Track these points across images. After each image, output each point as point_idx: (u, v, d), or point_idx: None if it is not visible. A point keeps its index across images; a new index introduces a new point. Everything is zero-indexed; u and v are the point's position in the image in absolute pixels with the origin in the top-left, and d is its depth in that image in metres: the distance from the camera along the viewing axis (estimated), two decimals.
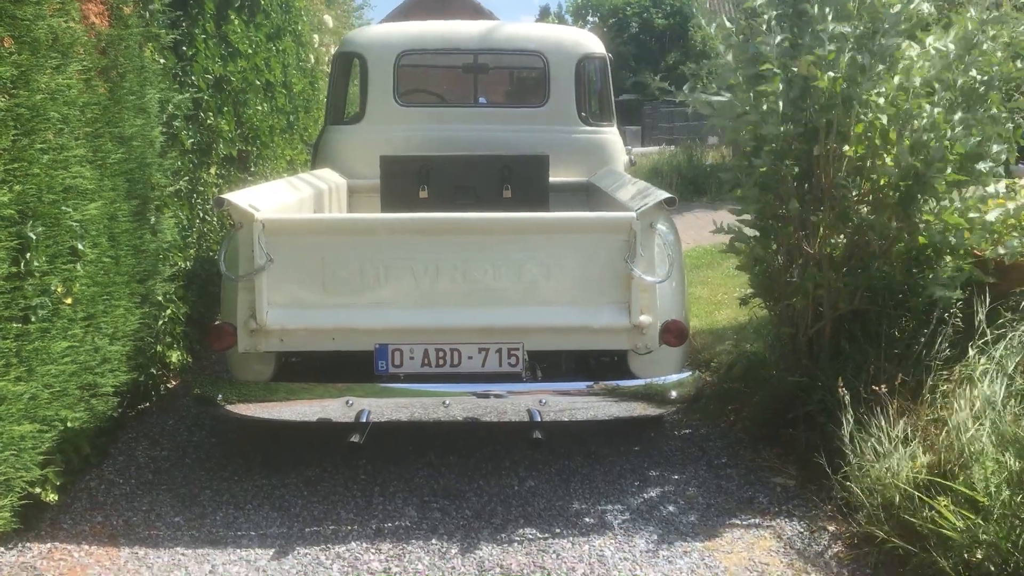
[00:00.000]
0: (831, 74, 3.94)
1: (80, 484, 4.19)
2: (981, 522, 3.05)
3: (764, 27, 4.19)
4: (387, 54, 6.07)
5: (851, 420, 3.71)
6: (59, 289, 3.56)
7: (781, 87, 4.12)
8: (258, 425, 4.20)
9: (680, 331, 4.04)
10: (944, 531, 3.13)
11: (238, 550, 3.64)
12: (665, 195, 3.94)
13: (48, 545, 3.67)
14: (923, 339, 3.99)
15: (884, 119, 3.98)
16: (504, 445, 4.65)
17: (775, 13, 4.18)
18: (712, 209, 12.38)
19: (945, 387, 3.78)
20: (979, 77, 4.04)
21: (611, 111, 6.41)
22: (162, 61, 4.97)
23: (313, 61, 9.77)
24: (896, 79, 4.02)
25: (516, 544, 3.70)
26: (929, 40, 4.10)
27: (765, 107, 4.20)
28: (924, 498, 3.25)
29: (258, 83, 6.95)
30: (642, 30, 25.91)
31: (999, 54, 4.03)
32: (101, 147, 3.98)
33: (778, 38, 4.10)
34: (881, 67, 3.98)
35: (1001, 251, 4.09)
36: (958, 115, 3.97)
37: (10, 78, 3.16)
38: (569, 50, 6.16)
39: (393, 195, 5.62)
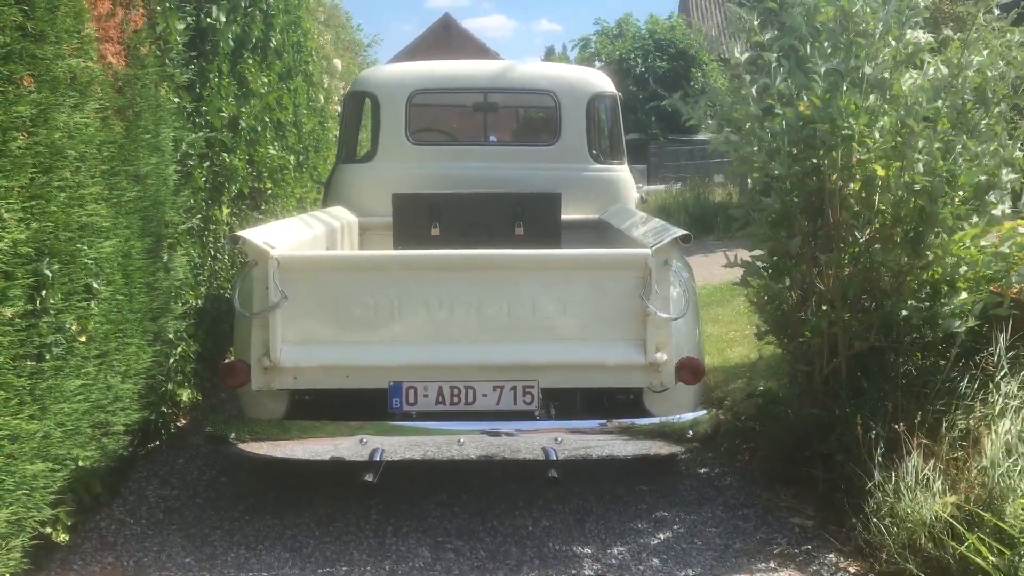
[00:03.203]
0: (828, 111, 3.96)
1: (90, 524, 4.15)
2: (1016, 557, 3.00)
3: (773, 63, 4.21)
4: (399, 93, 6.12)
5: (880, 458, 3.66)
6: (74, 327, 3.55)
7: (785, 125, 4.13)
8: (271, 464, 4.16)
9: (696, 368, 4.01)
10: (979, 564, 3.06)
11: None
12: (680, 232, 3.94)
13: None
14: (941, 376, 3.95)
15: (889, 148, 3.97)
16: (517, 484, 4.60)
17: (776, 54, 4.19)
18: (720, 247, 12.37)
19: (965, 424, 3.73)
20: (970, 97, 4.03)
21: (622, 149, 6.43)
22: (176, 100, 5.00)
23: (323, 101, 9.85)
24: (899, 111, 4.03)
25: None
26: (931, 69, 4.11)
27: (774, 145, 4.21)
28: (962, 531, 3.19)
29: (269, 122, 6.99)
30: (646, 71, 26.23)
31: (990, 72, 4.01)
32: (117, 185, 3.99)
33: (778, 79, 4.13)
34: (872, 97, 3.99)
35: (1014, 279, 4.05)
36: (959, 147, 3.95)
37: (29, 116, 3.17)
38: (580, 89, 6.20)
39: (405, 233, 5.62)
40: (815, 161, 4.14)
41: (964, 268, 4.07)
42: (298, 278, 3.89)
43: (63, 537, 3.76)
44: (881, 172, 3.97)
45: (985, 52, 3.99)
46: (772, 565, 3.81)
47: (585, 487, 4.58)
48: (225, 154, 5.95)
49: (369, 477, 3.78)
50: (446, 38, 36.37)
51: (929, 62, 4.11)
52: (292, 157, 7.91)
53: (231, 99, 5.99)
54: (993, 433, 3.61)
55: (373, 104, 6.22)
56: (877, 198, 4.06)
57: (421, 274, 3.97)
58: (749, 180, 4.55)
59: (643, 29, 27.16)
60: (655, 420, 4.05)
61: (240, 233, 3.87)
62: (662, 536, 4.09)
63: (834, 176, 4.13)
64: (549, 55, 52.31)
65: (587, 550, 3.95)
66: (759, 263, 4.49)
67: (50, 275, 3.33)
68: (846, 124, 3.93)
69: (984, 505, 3.28)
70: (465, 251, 4.26)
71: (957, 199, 4.02)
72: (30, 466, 3.26)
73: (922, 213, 3.97)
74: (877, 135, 3.96)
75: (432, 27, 38.77)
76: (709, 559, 3.87)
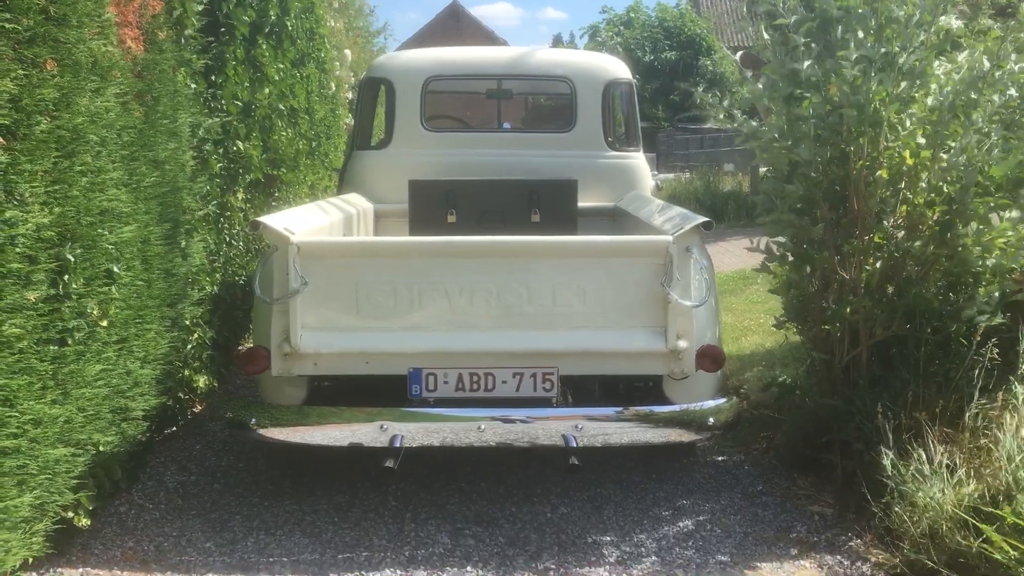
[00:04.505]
0: (857, 97, 3.92)
1: (110, 509, 4.16)
2: None
3: (800, 47, 4.17)
4: (415, 80, 6.10)
5: (894, 446, 3.64)
6: (95, 312, 3.55)
7: (812, 111, 4.10)
8: (290, 449, 4.16)
9: (717, 356, 4.00)
10: (996, 558, 3.05)
11: None
12: (702, 219, 3.92)
13: (80, 571, 3.63)
14: (963, 365, 3.92)
15: (920, 140, 3.94)
16: (535, 471, 4.60)
17: (803, 38, 4.14)
18: (732, 236, 12.35)
19: (988, 415, 3.71)
20: (1015, 94, 3.98)
21: (637, 136, 6.41)
22: (193, 86, 4.99)
23: (334, 88, 9.82)
24: (929, 99, 3.99)
25: (552, 573, 3.64)
26: (962, 57, 4.07)
27: (802, 130, 4.16)
28: (978, 524, 3.17)
29: (283, 108, 6.98)
30: (655, 60, 26.15)
31: None
32: (136, 170, 3.98)
33: (807, 63, 4.08)
34: (904, 84, 3.94)
35: None
36: (993, 136, 3.90)
37: (52, 100, 3.17)
38: (596, 75, 6.17)
39: (421, 219, 5.61)
40: (841, 147, 4.10)
41: (991, 261, 4.04)
42: (318, 264, 3.89)
43: (85, 522, 3.77)
44: (910, 161, 3.93)
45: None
46: (792, 552, 3.80)
47: (602, 475, 4.57)
48: (239, 141, 5.94)
49: (390, 463, 3.78)
50: (455, 26, 36.30)
51: (966, 49, 4.06)
52: (304, 144, 7.89)
53: (246, 84, 5.97)
54: (1008, 423, 3.60)
55: (388, 90, 6.20)
56: (903, 186, 4.03)
57: (442, 260, 3.95)
58: (763, 168, 4.52)
59: (653, 17, 27.02)
60: (675, 408, 4.04)
61: (261, 219, 3.87)
62: (681, 523, 4.08)
63: (860, 163, 4.10)
64: (556, 43, 52.06)
65: (606, 537, 3.95)
66: (780, 251, 4.46)
67: (72, 260, 3.33)
68: (876, 111, 3.89)
69: (1005, 496, 3.26)
70: (486, 238, 4.25)
71: (991, 192, 3.97)
72: (53, 450, 3.27)
73: (951, 203, 3.93)
74: (908, 123, 3.92)
75: (440, 15, 38.74)
76: (729, 546, 3.86)
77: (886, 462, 3.61)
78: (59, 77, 3.22)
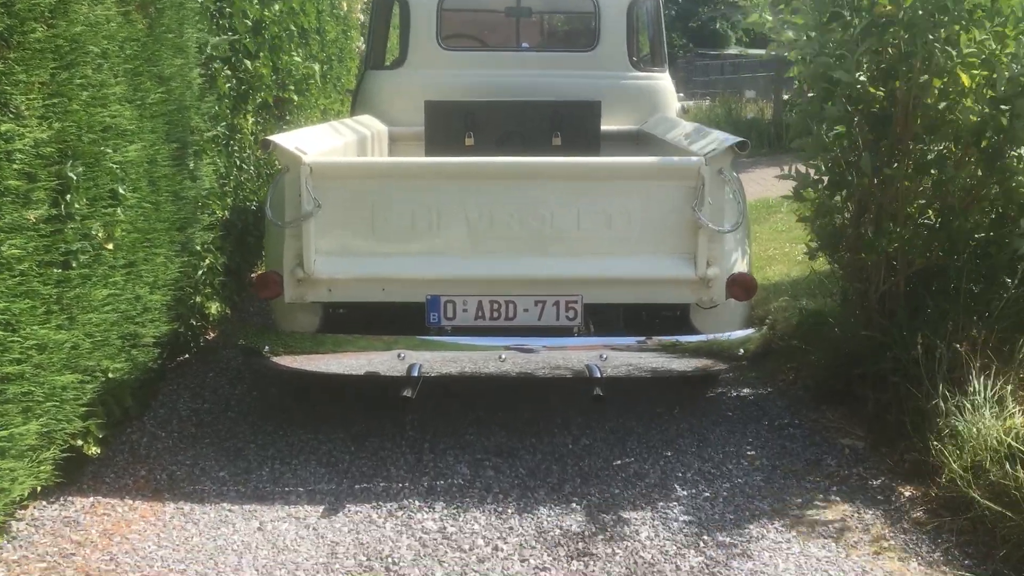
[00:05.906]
0: (912, 15, 3.67)
1: (121, 437, 4.06)
2: None
3: None
4: None
5: (946, 376, 3.49)
6: (100, 234, 3.39)
7: (858, 32, 3.84)
8: (303, 378, 4.04)
9: (748, 284, 3.83)
10: None
11: (287, 506, 3.51)
12: (735, 139, 3.71)
13: (91, 499, 3.55)
14: (1008, 295, 3.75)
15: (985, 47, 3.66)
16: (554, 403, 4.47)
17: None
18: (753, 164, 12.07)
19: None
20: None
21: (663, 56, 6.15)
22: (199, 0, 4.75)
23: (346, 8, 9.52)
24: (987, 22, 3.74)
25: (575, 504, 3.54)
26: None
27: (840, 51, 3.93)
28: None
29: (294, 28, 6.72)
30: None
31: None
32: (140, 86, 3.78)
33: None
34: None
35: None
36: None
37: (48, 6, 2.96)
38: None
39: (438, 142, 5.41)
40: (885, 67, 3.85)
41: None
42: (332, 186, 3.72)
43: (94, 450, 3.68)
44: (967, 82, 3.68)
45: None
46: (823, 486, 3.68)
47: (625, 406, 4.45)
48: (248, 60, 5.71)
49: (408, 392, 3.66)
50: None
51: None
52: (316, 66, 7.64)
53: (255, 1, 5.72)
54: None
55: (403, 6, 5.94)
56: (958, 110, 3.78)
57: (462, 182, 3.78)
58: (803, 84, 4.30)
59: None
60: (703, 338, 3.90)
61: (271, 138, 3.70)
62: (706, 455, 3.96)
63: (907, 85, 3.86)
64: None
65: (630, 469, 3.84)
66: (816, 175, 4.25)
67: (74, 178, 3.16)
68: (932, 29, 3.63)
69: None
70: (508, 158, 4.07)
71: None
72: (59, 377, 3.15)
73: (1001, 128, 3.70)
74: (965, 39, 3.67)
75: None
76: (757, 479, 3.75)
77: (928, 395, 3.45)
78: None
